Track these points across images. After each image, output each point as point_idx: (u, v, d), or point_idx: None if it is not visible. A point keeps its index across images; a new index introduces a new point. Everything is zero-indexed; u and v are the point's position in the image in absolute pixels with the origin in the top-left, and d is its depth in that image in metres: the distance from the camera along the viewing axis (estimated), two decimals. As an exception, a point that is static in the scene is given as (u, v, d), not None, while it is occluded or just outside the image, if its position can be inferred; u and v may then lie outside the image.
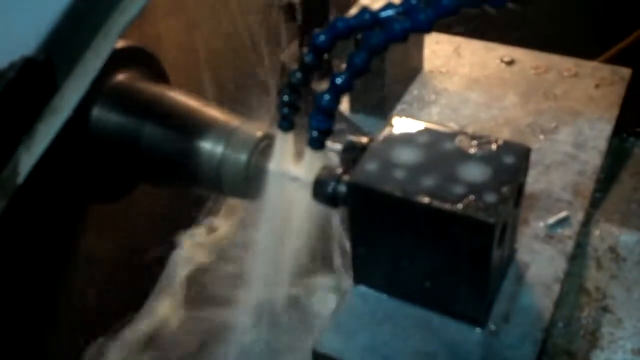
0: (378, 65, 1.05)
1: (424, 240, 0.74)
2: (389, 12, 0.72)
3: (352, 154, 0.81)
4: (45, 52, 0.57)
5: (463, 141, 0.77)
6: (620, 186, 1.06)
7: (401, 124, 0.81)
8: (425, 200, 0.71)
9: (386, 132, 0.80)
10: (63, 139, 0.61)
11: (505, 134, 1.06)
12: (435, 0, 0.69)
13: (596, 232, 0.98)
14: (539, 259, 0.87)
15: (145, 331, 1.10)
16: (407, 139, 0.78)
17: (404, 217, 0.73)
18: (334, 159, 0.85)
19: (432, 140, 0.78)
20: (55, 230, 0.94)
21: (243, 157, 0.89)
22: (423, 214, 0.71)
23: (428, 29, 0.70)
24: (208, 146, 0.90)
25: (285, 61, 1.25)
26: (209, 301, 1.11)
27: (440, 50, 1.24)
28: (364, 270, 0.82)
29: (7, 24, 0.58)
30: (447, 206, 0.70)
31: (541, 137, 1.05)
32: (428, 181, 0.73)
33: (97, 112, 0.91)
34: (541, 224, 0.92)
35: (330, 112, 0.76)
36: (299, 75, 0.79)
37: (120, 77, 0.95)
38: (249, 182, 0.89)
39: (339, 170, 0.79)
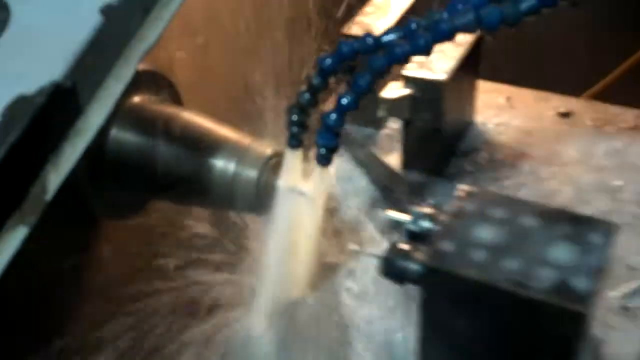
0: (435, 121, 1.00)
1: (503, 328, 0.68)
2: (391, 37, 0.76)
3: (419, 226, 0.76)
4: (71, 78, 0.61)
5: (543, 215, 0.71)
6: (695, 247, 0.99)
7: (472, 195, 0.75)
8: (511, 286, 0.65)
9: (457, 204, 0.74)
10: (83, 158, 0.66)
11: (568, 194, 1.02)
12: (433, 26, 0.72)
13: (675, 301, 0.91)
14: (615, 335, 0.82)
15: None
16: (482, 213, 0.73)
17: (484, 304, 0.68)
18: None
19: (510, 214, 0.73)
20: (70, 245, 0.98)
21: (254, 174, 0.92)
22: (507, 300, 0.65)
23: (427, 53, 0.73)
24: (220, 164, 0.94)
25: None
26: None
27: (490, 100, 1.19)
28: (432, 357, 0.76)
29: (35, 52, 0.63)
30: (534, 294, 0.64)
31: (606, 196, 0.99)
32: (511, 264, 0.67)
33: (114, 133, 0.97)
34: (615, 295, 0.85)
35: (336, 131, 0.80)
36: (307, 96, 0.82)
37: (136, 99, 1.00)
38: (260, 198, 0.93)
39: (407, 246, 0.73)
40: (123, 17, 0.64)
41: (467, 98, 1.14)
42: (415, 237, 0.77)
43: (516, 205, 0.74)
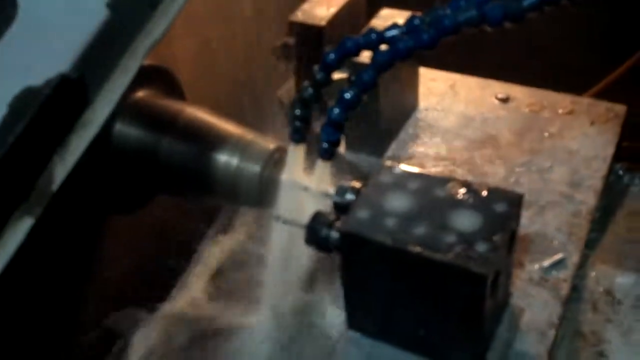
0: (373, 105, 1.05)
1: (415, 288, 0.75)
2: (394, 32, 0.77)
3: (344, 199, 0.81)
4: (78, 70, 0.62)
5: (454, 188, 0.77)
6: (615, 226, 1.05)
7: (392, 170, 0.81)
8: (416, 249, 0.70)
9: (377, 177, 0.80)
10: (88, 152, 0.66)
11: (500, 174, 1.06)
12: (436, 21, 0.74)
13: (592, 274, 0.97)
14: (534, 304, 0.88)
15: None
16: (398, 186, 0.78)
17: (395, 266, 0.74)
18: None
19: (424, 186, 0.78)
20: (76, 239, 1.00)
21: (257, 168, 0.94)
22: (414, 263, 0.71)
23: (431, 47, 0.75)
24: (224, 158, 0.95)
25: (281, 97, 1.25)
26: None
27: (435, 88, 1.25)
28: (357, 316, 0.82)
29: (43, 45, 0.64)
30: (438, 256, 0.70)
31: (536, 176, 1.05)
32: (419, 230, 0.73)
33: (119, 127, 0.98)
34: (536, 267, 0.93)
35: (339, 125, 0.81)
36: (310, 91, 0.83)
37: (140, 93, 1.01)
38: (262, 192, 0.95)
39: (332, 216, 0.79)
40: (130, 11, 0.65)
41: (408, 84, 1.16)
42: (340, 208, 0.82)
43: (430, 179, 0.79)
